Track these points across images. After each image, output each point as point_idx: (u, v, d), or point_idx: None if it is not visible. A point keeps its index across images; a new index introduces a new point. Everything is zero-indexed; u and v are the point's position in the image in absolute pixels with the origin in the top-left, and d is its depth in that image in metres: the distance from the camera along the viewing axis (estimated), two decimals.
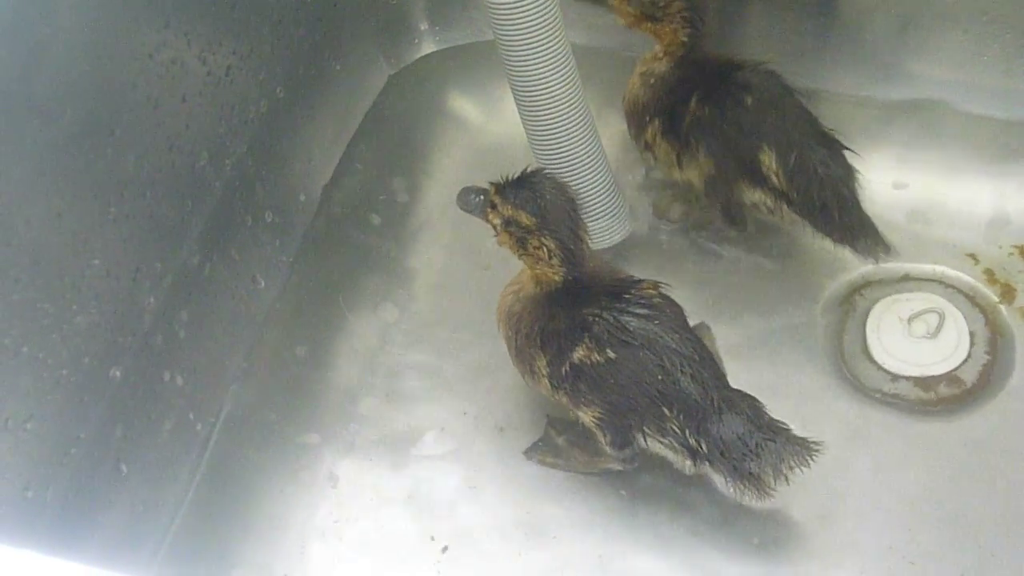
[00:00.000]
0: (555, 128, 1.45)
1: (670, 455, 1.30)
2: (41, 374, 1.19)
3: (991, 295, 1.50)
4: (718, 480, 1.29)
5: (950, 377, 1.44)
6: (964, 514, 1.33)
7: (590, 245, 1.31)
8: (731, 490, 1.26)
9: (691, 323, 1.30)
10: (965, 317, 1.48)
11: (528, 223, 1.26)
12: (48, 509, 1.21)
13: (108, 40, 1.21)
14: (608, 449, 1.33)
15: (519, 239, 1.28)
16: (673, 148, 1.48)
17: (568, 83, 1.42)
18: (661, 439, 1.27)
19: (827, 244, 1.46)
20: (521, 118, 1.47)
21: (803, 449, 1.23)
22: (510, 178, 1.28)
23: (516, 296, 1.33)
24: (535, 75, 1.41)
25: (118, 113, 1.24)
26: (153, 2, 1.26)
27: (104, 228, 1.25)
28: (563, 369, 1.27)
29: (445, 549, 1.36)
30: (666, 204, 1.58)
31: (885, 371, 1.45)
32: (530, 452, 1.42)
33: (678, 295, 1.30)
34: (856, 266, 1.51)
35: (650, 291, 1.27)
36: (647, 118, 1.49)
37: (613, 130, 1.62)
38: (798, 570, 1.31)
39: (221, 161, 1.43)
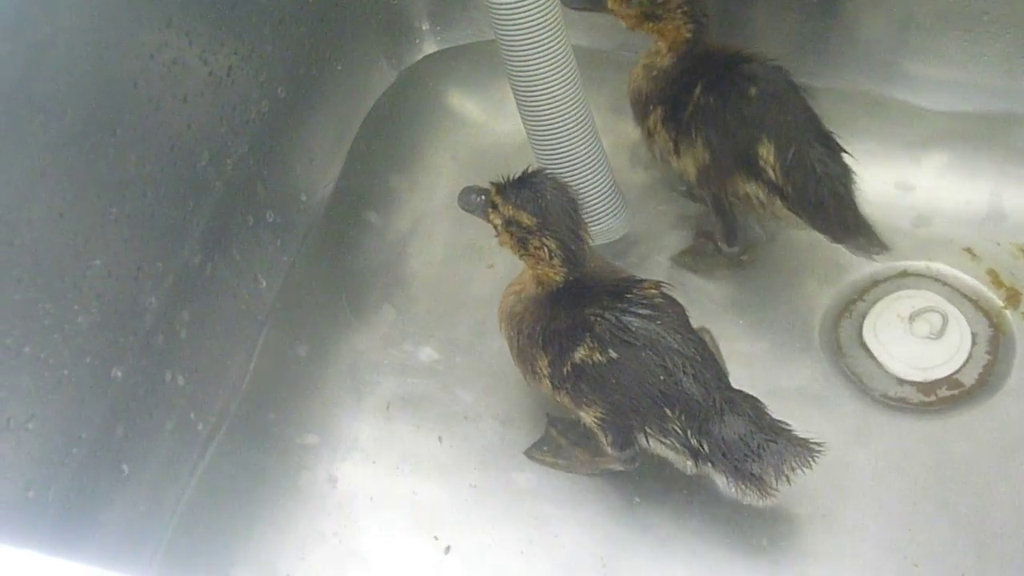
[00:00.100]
0: (555, 128, 1.45)
1: (671, 455, 1.30)
2: (43, 374, 1.19)
3: (992, 295, 1.50)
4: (719, 481, 1.29)
5: (951, 379, 1.44)
6: (965, 514, 1.33)
7: (591, 244, 1.31)
8: (732, 491, 1.26)
9: (692, 324, 1.30)
10: (966, 317, 1.48)
11: (529, 223, 1.26)
12: (50, 509, 1.21)
13: (109, 40, 1.21)
14: (609, 449, 1.33)
15: (520, 239, 1.28)
16: (671, 136, 1.48)
17: (569, 83, 1.42)
18: (663, 439, 1.27)
19: (827, 244, 1.46)
20: (522, 118, 1.47)
21: (805, 450, 1.23)
22: (511, 178, 1.28)
23: (518, 296, 1.33)
24: (536, 75, 1.41)
25: (119, 113, 1.24)
26: (154, 2, 1.26)
27: (105, 228, 1.25)
28: (565, 369, 1.27)
29: (448, 550, 1.36)
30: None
31: (886, 371, 1.46)
32: (531, 452, 1.42)
33: (678, 295, 1.30)
34: (858, 266, 1.51)
35: (652, 291, 1.27)
36: (650, 107, 1.49)
37: (613, 130, 1.62)
38: (799, 570, 1.31)
39: (222, 161, 1.43)
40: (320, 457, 1.44)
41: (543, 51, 1.39)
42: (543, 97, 1.43)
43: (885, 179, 1.59)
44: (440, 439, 1.45)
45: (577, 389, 1.28)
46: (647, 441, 1.29)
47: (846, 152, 1.42)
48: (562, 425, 1.42)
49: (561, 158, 1.47)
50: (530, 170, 1.29)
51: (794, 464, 1.23)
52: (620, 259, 1.54)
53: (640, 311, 1.25)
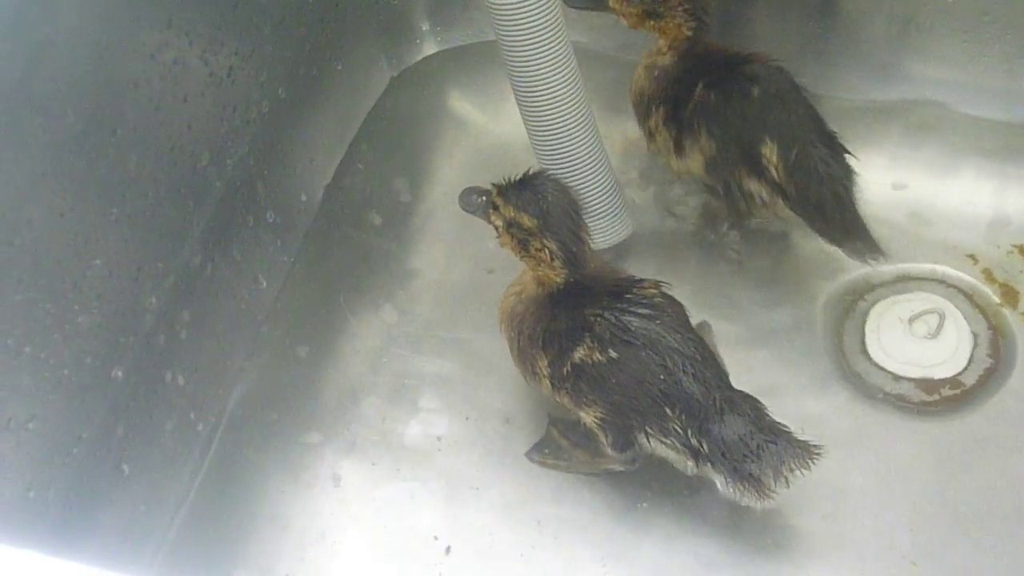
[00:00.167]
0: (557, 128, 1.45)
1: (672, 456, 1.30)
2: (43, 374, 1.19)
3: (991, 296, 1.50)
4: (718, 481, 1.29)
5: (951, 379, 1.44)
6: (965, 514, 1.33)
7: (592, 246, 1.31)
8: (731, 491, 1.26)
9: (692, 322, 1.30)
10: (966, 317, 1.48)
11: (530, 225, 1.26)
12: (50, 509, 1.21)
13: (110, 40, 1.21)
14: (609, 450, 1.33)
15: (521, 241, 1.28)
16: (672, 135, 1.48)
17: (570, 83, 1.42)
18: (663, 439, 1.27)
19: (827, 245, 1.46)
20: (523, 118, 1.47)
21: (804, 452, 1.23)
22: (512, 179, 1.28)
23: (518, 297, 1.33)
24: (537, 75, 1.41)
25: (120, 113, 1.24)
26: (155, 2, 1.26)
27: (106, 228, 1.25)
28: (564, 369, 1.27)
29: (448, 550, 1.36)
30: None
31: (886, 372, 1.46)
32: (532, 453, 1.42)
33: (679, 294, 1.30)
34: (857, 266, 1.50)
35: (652, 291, 1.27)
36: (652, 108, 1.50)
37: (615, 130, 1.63)
38: (799, 570, 1.31)
39: (223, 161, 1.43)
40: (320, 457, 1.44)
41: (544, 51, 1.38)
42: (544, 97, 1.42)
43: (884, 180, 1.59)
44: (440, 439, 1.45)
45: (577, 389, 1.28)
46: (647, 441, 1.29)
47: (849, 153, 1.42)
48: (563, 426, 1.42)
49: (562, 159, 1.47)
50: (531, 171, 1.29)
51: (793, 466, 1.23)
52: (619, 259, 1.54)
53: (640, 311, 1.25)
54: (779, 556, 1.32)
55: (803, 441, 1.24)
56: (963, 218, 1.56)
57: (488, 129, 1.73)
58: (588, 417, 1.30)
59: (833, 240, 1.43)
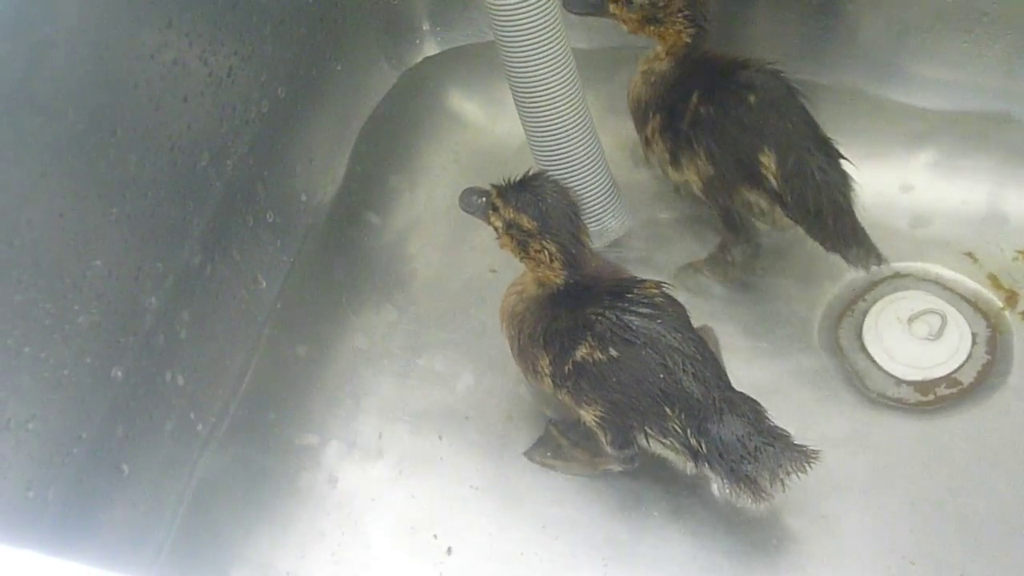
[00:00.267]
0: (555, 128, 1.45)
1: (671, 456, 1.30)
2: (43, 374, 1.19)
3: (992, 296, 1.50)
4: (715, 483, 1.29)
5: (949, 378, 1.45)
6: (964, 514, 1.33)
7: (591, 246, 1.31)
8: (727, 492, 1.26)
9: (694, 324, 1.30)
10: (965, 318, 1.48)
11: (529, 227, 1.26)
12: (50, 509, 1.21)
13: (110, 40, 1.21)
14: (609, 449, 1.33)
15: (520, 242, 1.28)
16: (668, 147, 1.48)
17: (568, 84, 1.43)
18: (662, 439, 1.27)
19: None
20: (521, 119, 1.47)
21: (801, 456, 1.23)
22: (512, 181, 1.28)
23: (519, 297, 1.33)
24: (535, 76, 1.41)
25: (120, 113, 1.24)
26: (155, 2, 1.27)
27: (106, 228, 1.25)
28: (566, 368, 1.27)
29: (449, 550, 1.36)
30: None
31: (885, 372, 1.46)
32: (531, 453, 1.42)
33: (677, 294, 1.30)
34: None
35: (652, 291, 1.27)
36: (649, 114, 1.50)
37: (612, 130, 1.63)
38: (799, 569, 1.31)
39: (222, 161, 1.43)
40: (320, 457, 1.44)
41: (542, 52, 1.39)
42: (542, 98, 1.43)
43: (884, 180, 1.59)
44: (440, 439, 1.45)
45: (578, 387, 1.28)
46: (647, 441, 1.29)
47: (845, 159, 1.42)
48: (562, 426, 1.42)
49: (560, 159, 1.47)
50: (531, 173, 1.29)
51: (789, 469, 1.23)
52: (619, 259, 1.54)
53: (641, 310, 1.25)
54: (777, 556, 1.32)
55: (801, 445, 1.24)
56: (961, 218, 1.57)
57: (488, 129, 1.73)
58: (588, 416, 1.30)
59: (833, 248, 1.43)
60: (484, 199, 1.31)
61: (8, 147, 1.10)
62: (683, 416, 1.24)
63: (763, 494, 1.24)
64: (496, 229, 1.31)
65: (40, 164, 1.15)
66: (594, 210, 1.51)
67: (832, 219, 1.40)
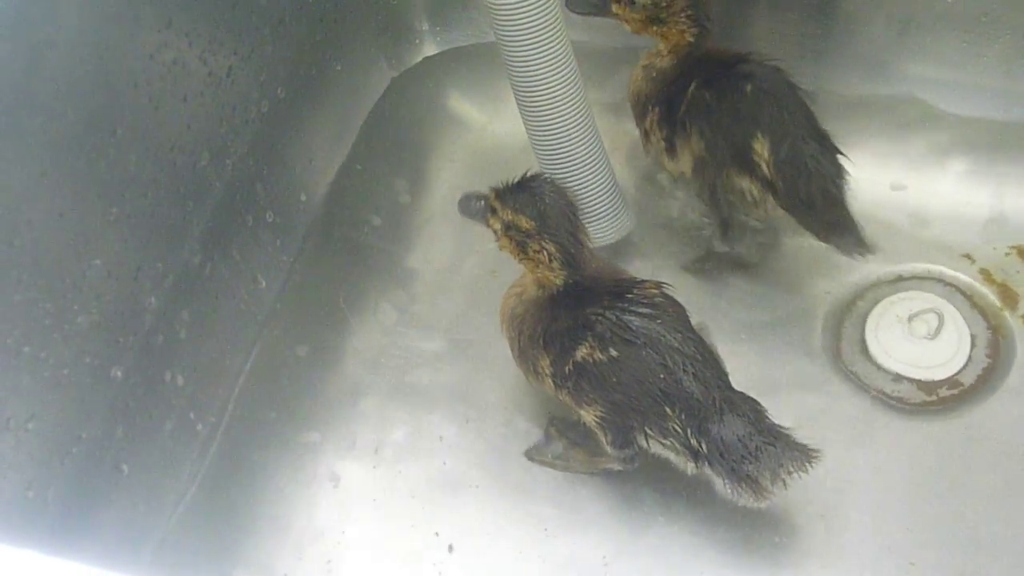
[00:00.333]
0: (556, 128, 1.45)
1: (672, 456, 1.30)
2: (43, 374, 1.19)
3: (990, 296, 1.50)
4: (716, 481, 1.29)
5: (950, 379, 1.45)
6: (964, 514, 1.33)
7: (591, 246, 1.31)
8: (728, 492, 1.26)
9: (692, 322, 1.30)
10: (965, 318, 1.48)
11: (528, 227, 1.27)
12: (49, 509, 1.21)
13: (110, 40, 1.21)
14: (609, 448, 1.33)
15: (519, 243, 1.28)
16: (664, 135, 1.48)
17: (569, 83, 1.42)
18: (663, 440, 1.27)
19: (826, 245, 1.47)
20: (522, 119, 1.47)
21: (802, 455, 1.23)
22: (510, 183, 1.28)
23: (519, 299, 1.34)
24: (536, 75, 1.41)
25: (120, 113, 1.24)
26: (154, 2, 1.27)
27: (105, 228, 1.25)
28: (566, 368, 1.27)
29: (451, 548, 1.36)
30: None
31: (885, 372, 1.46)
32: (531, 453, 1.42)
33: (677, 294, 1.30)
34: (857, 268, 1.51)
35: (652, 291, 1.27)
36: (648, 108, 1.50)
37: (614, 130, 1.63)
38: (799, 569, 1.31)
39: (222, 161, 1.43)
40: (319, 457, 1.44)
41: (543, 51, 1.39)
42: (544, 97, 1.43)
43: (883, 180, 1.59)
44: (440, 438, 1.45)
45: (578, 388, 1.28)
46: (647, 443, 1.29)
47: (841, 153, 1.42)
48: (562, 425, 1.42)
49: (562, 159, 1.47)
50: (528, 174, 1.29)
51: (791, 468, 1.23)
52: (621, 260, 1.54)
53: (641, 310, 1.25)
54: (778, 556, 1.32)
55: (801, 444, 1.24)
56: (961, 219, 1.56)
57: (487, 129, 1.73)
58: (588, 416, 1.30)
59: (821, 235, 1.43)
60: (482, 203, 1.31)
61: (8, 147, 1.10)
62: (683, 416, 1.24)
63: (764, 493, 1.24)
64: (495, 232, 1.31)
65: (40, 164, 1.15)
66: (596, 210, 1.51)
67: (822, 208, 1.40)
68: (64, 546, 1.23)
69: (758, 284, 1.53)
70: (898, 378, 1.45)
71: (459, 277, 1.59)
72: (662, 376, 1.23)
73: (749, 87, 1.40)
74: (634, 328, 1.24)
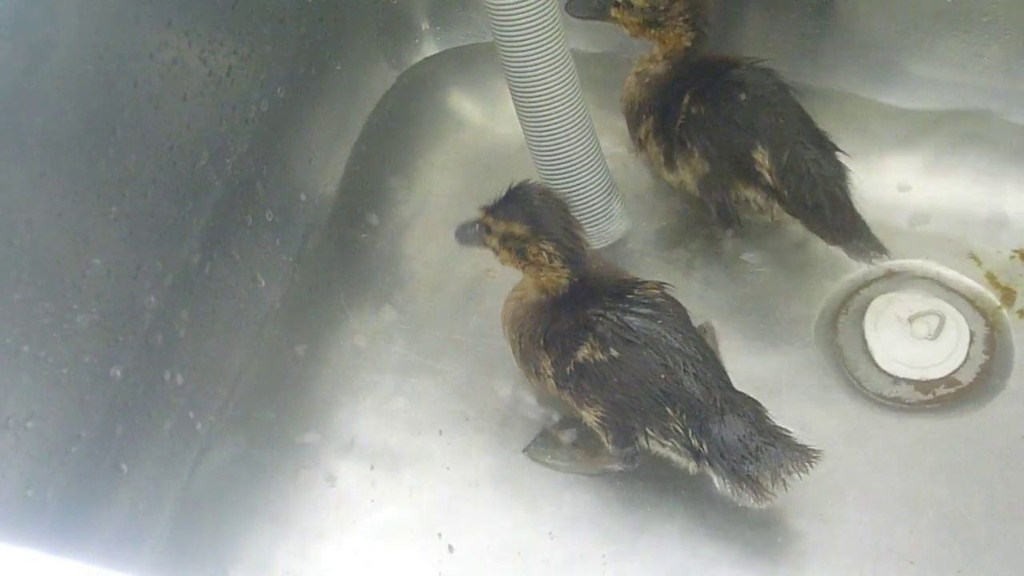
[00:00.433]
0: (553, 129, 1.45)
1: (673, 457, 1.30)
2: (42, 373, 1.19)
3: (991, 297, 1.50)
4: (716, 482, 1.29)
5: (948, 378, 1.45)
6: (962, 513, 1.33)
7: (589, 244, 1.31)
8: (729, 492, 1.26)
9: (694, 323, 1.30)
10: (964, 317, 1.48)
11: (522, 233, 1.27)
12: (48, 507, 1.21)
13: (110, 40, 1.21)
14: (610, 448, 1.33)
15: (518, 251, 1.29)
16: (662, 148, 1.48)
17: (567, 85, 1.42)
18: (663, 441, 1.27)
19: (825, 244, 1.46)
20: (519, 119, 1.47)
21: (802, 455, 1.23)
22: (497, 199, 1.29)
23: (520, 302, 1.34)
24: (534, 77, 1.41)
25: (119, 112, 1.24)
26: (154, 2, 1.26)
27: (105, 227, 1.25)
28: (568, 368, 1.27)
29: (451, 549, 1.36)
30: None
31: (885, 372, 1.46)
32: (531, 452, 1.43)
33: (677, 294, 1.30)
34: (856, 266, 1.51)
35: (653, 291, 1.28)
36: (642, 116, 1.50)
37: (611, 131, 1.63)
38: (798, 569, 1.31)
39: (222, 160, 1.43)
40: (319, 456, 1.44)
41: (541, 52, 1.39)
42: (541, 98, 1.43)
43: (883, 180, 1.59)
44: (440, 436, 1.45)
45: (579, 388, 1.28)
46: (647, 443, 1.29)
47: (840, 151, 1.42)
48: (562, 425, 1.42)
49: (559, 160, 1.47)
50: (514, 185, 1.29)
51: (791, 469, 1.23)
52: (620, 260, 1.54)
53: (641, 311, 1.25)
54: (778, 556, 1.32)
55: (802, 444, 1.24)
56: (961, 217, 1.56)
57: (488, 129, 1.73)
58: (589, 416, 1.30)
59: (834, 241, 1.44)
60: (476, 226, 1.31)
61: (7, 146, 1.10)
62: (684, 416, 1.24)
63: (765, 494, 1.24)
64: (494, 249, 1.31)
65: (39, 163, 1.15)
66: (593, 211, 1.51)
67: (830, 212, 1.40)
68: (63, 545, 1.23)
69: (757, 284, 1.53)
70: (898, 379, 1.45)
71: (458, 276, 1.59)
72: (663, 376, 1.24)
73: (743, 96, 1.40)
74: (635, 328, 1.24)
